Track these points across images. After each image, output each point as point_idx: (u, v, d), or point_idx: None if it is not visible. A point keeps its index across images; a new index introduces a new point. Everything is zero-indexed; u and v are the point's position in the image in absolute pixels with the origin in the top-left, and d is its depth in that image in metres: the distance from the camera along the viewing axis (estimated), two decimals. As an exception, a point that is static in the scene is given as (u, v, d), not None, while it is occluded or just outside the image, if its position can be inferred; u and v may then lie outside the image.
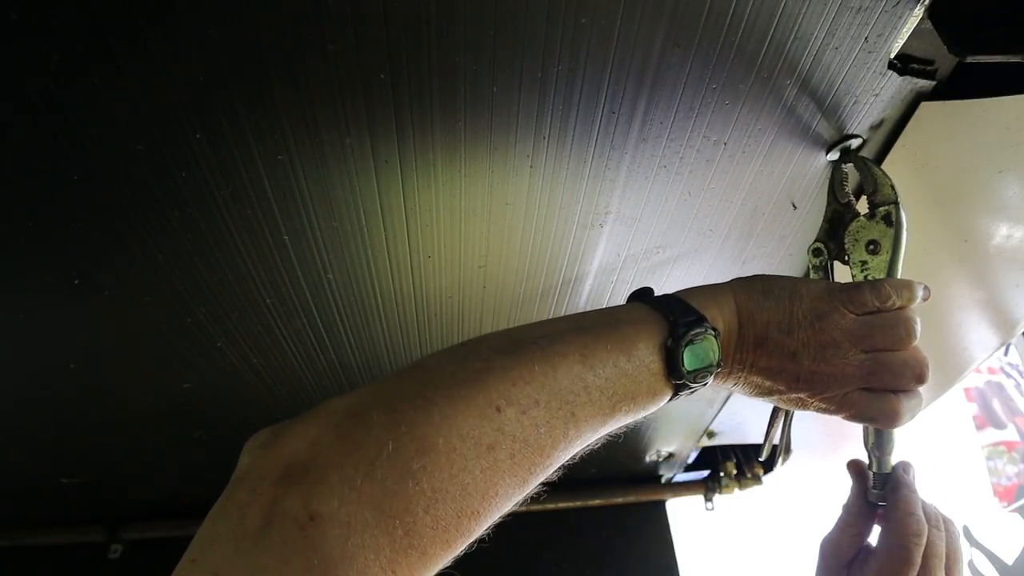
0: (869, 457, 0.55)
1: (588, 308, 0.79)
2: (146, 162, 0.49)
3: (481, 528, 0.38)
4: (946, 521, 0.53)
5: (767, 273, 0.54)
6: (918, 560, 0.50)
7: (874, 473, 0.54)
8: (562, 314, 0.79)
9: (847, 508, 0.56)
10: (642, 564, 1.36)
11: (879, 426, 0.52)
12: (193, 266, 0.61)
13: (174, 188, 0.52)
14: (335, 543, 0.31)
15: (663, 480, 1.46)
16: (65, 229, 0.55)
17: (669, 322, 0.45)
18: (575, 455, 0.44)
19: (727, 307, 0.49)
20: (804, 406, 0.51)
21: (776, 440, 0.63)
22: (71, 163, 0.49)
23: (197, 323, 0.69)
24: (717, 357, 0.46)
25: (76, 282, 0.60)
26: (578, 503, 1.37)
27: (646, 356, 0.44)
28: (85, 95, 0.44)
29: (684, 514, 1.51)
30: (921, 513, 0.51)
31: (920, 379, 0.48)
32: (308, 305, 0.69)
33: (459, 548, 0.37)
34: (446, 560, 0.36)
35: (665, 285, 0.76)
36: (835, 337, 0.48)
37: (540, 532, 1.35)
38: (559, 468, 0.43)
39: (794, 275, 0.77)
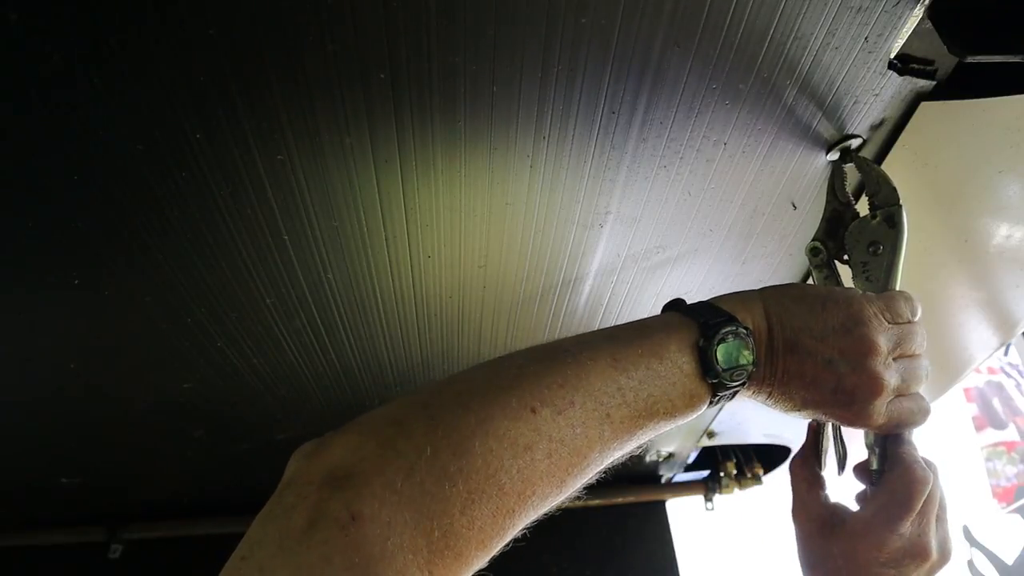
0: (869, 455, 0.55)
1: (588, 308, 0.79)
2: (146, 162, 0.49)
3: (517, 528, 0.39)
4: (933, 466, 0.53)
5: (790, 281, 0.54)
6: (919, 506, 0.49)
7: (873, 470, 0.54)
8: (562, 314, 0.79)
9: (799, 469, 0.56)
10: (642, 564, 1.36)
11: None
12: (193, 266, 0.61)
13: (174, 188, 0.52)
14: (375, 543, 0.32)
15: (663, 480, 1.46)
16: (65, 229, 0.54)
17: (699, 323, 0.46)
18: (617, 460, 0.45)
19: (756, 310, 0.49)
20: (848, 421, 0.49)
21: (835, 449, 0.59)
22: (71, 163, 0.49)
23: (197, 323, 0.69)
24: (752, 356, 0.46)
25: (76, 282, 0.60)
26: (578, 503, 1.37)
27: (678, 357, 0.45)
28: (85, 95, 0.44)
29: (684, 514, 1.51)
30: (921, 460, 0.51)
31: (928, 377, 0.49)
32: (308, 305, 0.69)
33: (495, 548, 0.38)
34: (482, 561, 0.37)
35: (665, 285, 0.76)
36: (874, 345, 0.47)
37: (540, 532, 1.34)
38: (599, 472, 0.44)
39: (794, 275, 0.77)
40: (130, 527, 1.25)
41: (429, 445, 0.36)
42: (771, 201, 0.65)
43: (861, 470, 0.56)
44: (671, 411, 0.45)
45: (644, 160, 0.57)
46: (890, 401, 0.48)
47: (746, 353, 0.46)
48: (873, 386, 0.46)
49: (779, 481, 1.43)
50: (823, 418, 0.50)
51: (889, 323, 0.48)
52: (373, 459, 0.35)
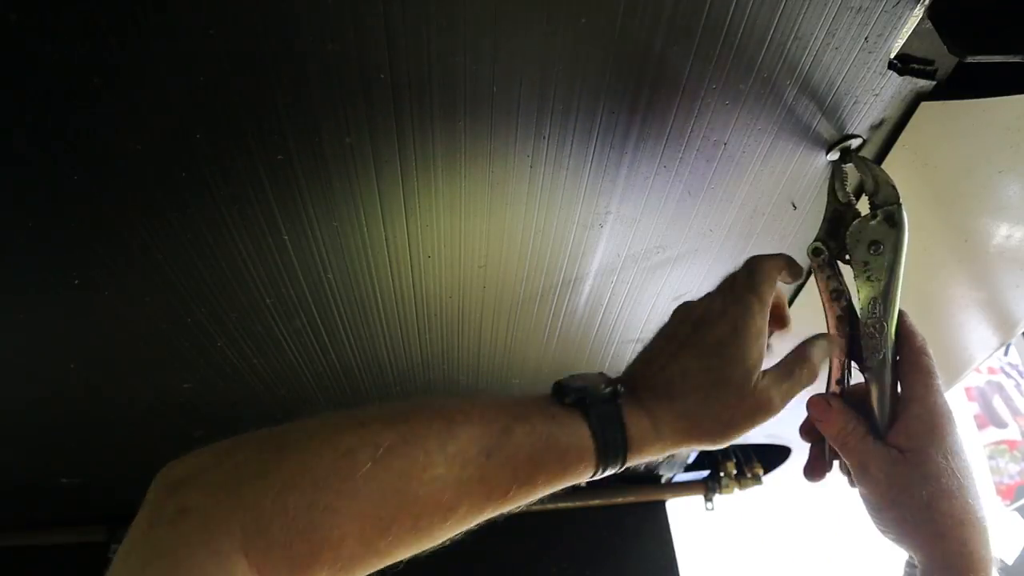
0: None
1: (588, 308, 0.79)
2: (146, 162, 0.49)
3: (347, 528, 0.39)
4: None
5: None
6: (937, 371, 0.52)
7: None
8: (562, 314, 0.79)
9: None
10: (642, 564, 1.36)
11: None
12: (193, 266, 0.61)
13: (174, 188, 0.52)
14: (196, 530, 0.36)
15: (663, 480, 1.46)
16: (65, 229, 0.54)
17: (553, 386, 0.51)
18: (505, 505, 0.45)
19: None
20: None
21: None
22: (71, 163, 0.49)
23: (197, 323, 0.69)
24: (608, 376, 0.50)
25: (76, 282, 0.60)
26: (578, 503, 1.37)
27: (529, 395, 0.49)
28: (85, 95, 0.44)
29: (684, 514, 1.51)
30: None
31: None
32: (308, 305, 0.69)
33: (325, 547, 0.38)
34: (322, 566, 0.38)
35: (665, 285, 0.76)
36: (720, 338, 0.50)
37: (540, 532, 1.35)
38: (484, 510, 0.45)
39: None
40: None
41: (256, 448, 0.40)
42: (771, 201, 0.65)
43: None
44: (539, 438, 0.45)
45: (644, 160, 0.57)
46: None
47: (602, 375, 0.50)
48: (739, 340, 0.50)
49: (779, 481, 1.43)
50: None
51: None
52: (207, 464, 0.40)
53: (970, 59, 0.47)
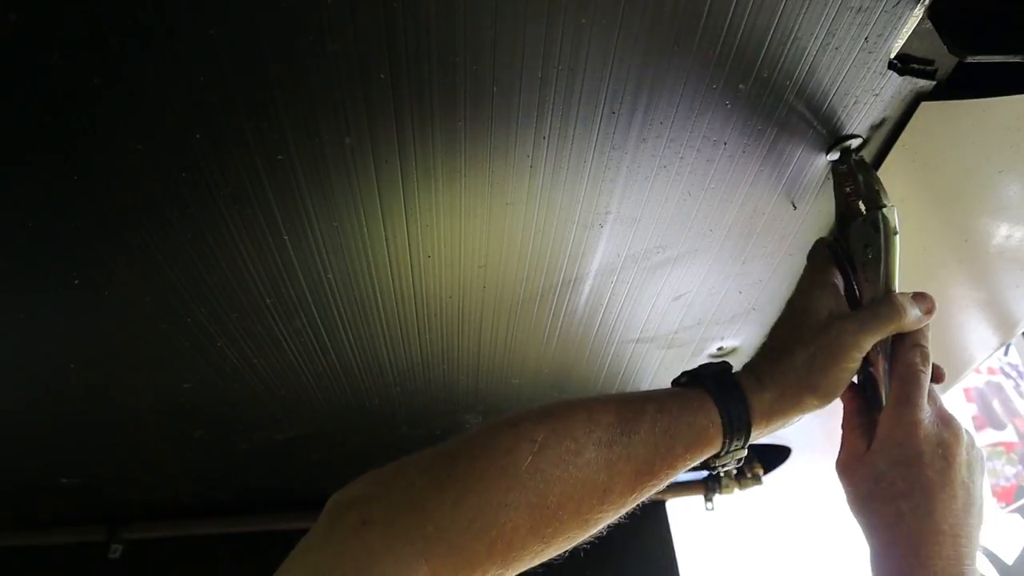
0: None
1: (588, 308, 0.79)
2: (146, 162, 0.49)
3: (519, 521, 0.43)
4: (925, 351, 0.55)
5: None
6: (926, 384, 0.52)
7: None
8: (562, 314, 0.79)
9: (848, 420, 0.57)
10: (642, 564, 1.36)
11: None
12: (193, 266, 0.61)
13: (174, 188, 0.52)
14: (379, 539, 0.40)
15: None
16: (65, 229, 0.54)
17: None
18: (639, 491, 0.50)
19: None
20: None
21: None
22: (71, 163, 0.49)
23: (197, 323, 0.69)
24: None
25: (76, 282, 0.60)
26: (578, 503, 1.37)
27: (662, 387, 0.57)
28: (85, 95, 0.44)
29: (684, 514, 1.51)
30: (926, 344, 0.54)
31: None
32: (308, 305, 0.69)
33: (499, 541, 0.42)
34: (493, 561, 0.43)
35: (665, 285, 0.76)
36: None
37: (540, 532, 1.34)
38: (618, 503, 0.49)
39: (794, 275, 0.77)
40: (130, 527, 1.25)
41: (427, 465, 0.45)
42: (771, 201, 0.65)
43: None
44: (663, 409, 0.50)
45: (644, 160, 0.57)
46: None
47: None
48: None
49: (779, 481, 1.43)
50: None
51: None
52: (382, 484, 0.44)
53: (970, 59, 0.47)
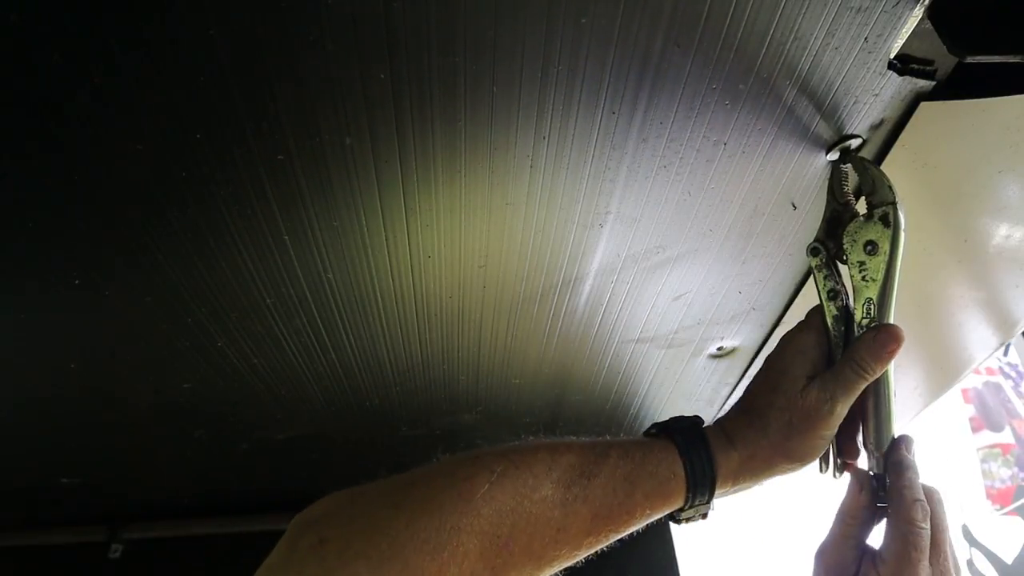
0: (868, 457, 0.55)
1: (588, 308, 0.79)
2: (146, 162, 0.49)
3: (470, 547, 0.44)
4: (935, 492, 0.52)
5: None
6: (927, 543, 0.49)
7: (875, 474, 0.54)
8: (562, 314, 0.79)
9: (845, 515, 0.54)
10: (642, 564, 1.36)
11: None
12: (193, 266, 0.61)
13: (174, 188, 0.52)
14: (333, 555, 0.41)
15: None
16: (65, 229, 0.55)
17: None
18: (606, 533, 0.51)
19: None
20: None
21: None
22: (71, 163, 0.49)
23: (197, 323, 0.69)
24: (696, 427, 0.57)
25: (76, 282, 0.60)
26: (578, 503, 1.37)
27: (633, 436, 0.57)
28: (85, 95, 0.44)
29: (684, 514, 1.50)
30: (923, 496, 0.50)
31: None
32: (308, 305, 0.69)
33: (451, 564, 0.43)
34: None
35: (665, 285, 0.76)
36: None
37: (540, 532, 1.35)
38: (588, 544, 0.50)
39: (794, 275, 0.77)
40: (130, 527, 1.25)
41: (387, 488, 0.46)
42: (771, 201, 0.65)
43: (859, 477, 0.55)
44: (632, 466, 0.51)
45: (644, 160, 0.57)
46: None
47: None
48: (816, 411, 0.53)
49: (779, 481, 1.43)
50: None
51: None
52: (342, 503, 0.46)
53: (970, 59, 0.47)
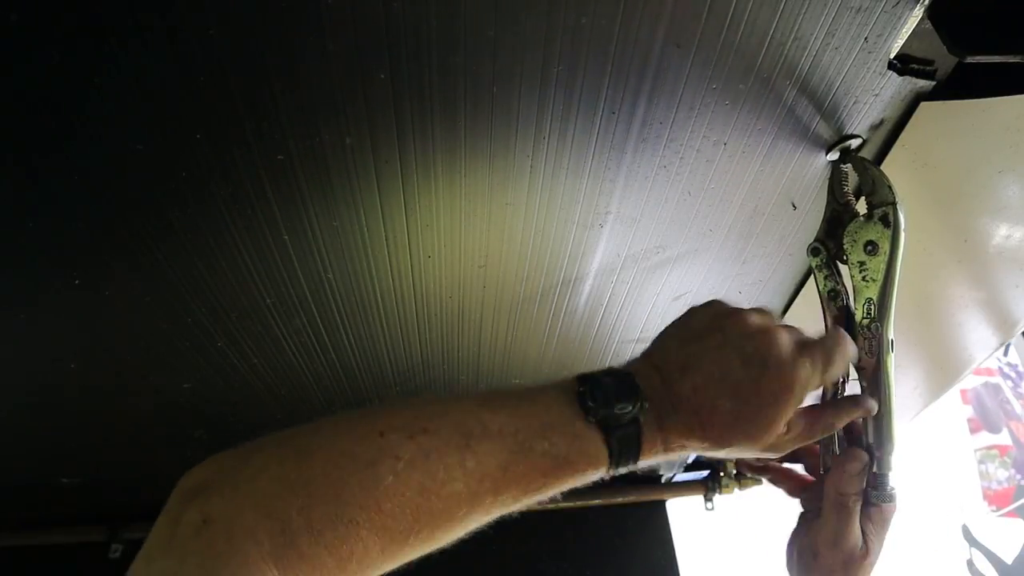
0: (869, 457, 0.55)
1: (588, 308, 0.79)
2: (146, 162, 0.49)
3: (369, 542, 0.39)
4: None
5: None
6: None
7: (873, 473, 0.54)
8: (562, 314, 0.79)
9: (808, 514, 0.56)
10: (642, 564, 1.36)
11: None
12: (193, 266, 0.61)
13: (174, 188, 0.52)
14: (222, 538, 0.36)
15: (663, 480, 1.46)
16: (65, 229, 0.54)
17: (576, 376, 0.47)
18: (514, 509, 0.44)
19: (635, 361, 0.50)
20: (786, 405, 0.47)
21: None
22: (71, 163, 0.49)
23: (197, 323, 0.69)
24: (637, 390, 0.46)
25: (76, 282, 0.60)
26: (578, 503, 1.37)
27: (552, 400, 0.45)
28: (85, 95, 0.44)
29: (684, 514, 1.51)
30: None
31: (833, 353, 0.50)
32: (308, 305, 0.69)
33: (351, 560, 0.39)
34: (343, 572, 0.39)
35: (665, 285, 0.76)
36: (741, 312, 0.49)
37: (540, 532, 1.35)
38: (487, 519, 0.44)
39: (794, 275, 0.77)
40: (130, 527, 1.25)
41: (276, 457, 0.40)
42: (771, 201, 0.65)
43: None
44: (554, 453, 0.43)
45: (644, 160, 0.57)
46: (800, 355, 0.47)
47: (626, 388, 0.46)
48: (769, 337, 0.47)
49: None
50: (770, 415, 0.47)
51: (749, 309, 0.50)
52: (226, 471, 0.39)
53: (970, 59, 0.47)
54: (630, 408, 0.45)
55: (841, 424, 0.52)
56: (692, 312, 0.51)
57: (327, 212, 0.57)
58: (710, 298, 0.53)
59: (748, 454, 0.48)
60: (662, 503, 1.45)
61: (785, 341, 0.47)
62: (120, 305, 0.64)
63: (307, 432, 0.42)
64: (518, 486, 0.43)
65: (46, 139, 0.46)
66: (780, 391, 0.46)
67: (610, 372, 0.47)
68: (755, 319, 0.48)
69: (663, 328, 0.52)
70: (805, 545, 0.54)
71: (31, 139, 0.46)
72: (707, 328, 0.49)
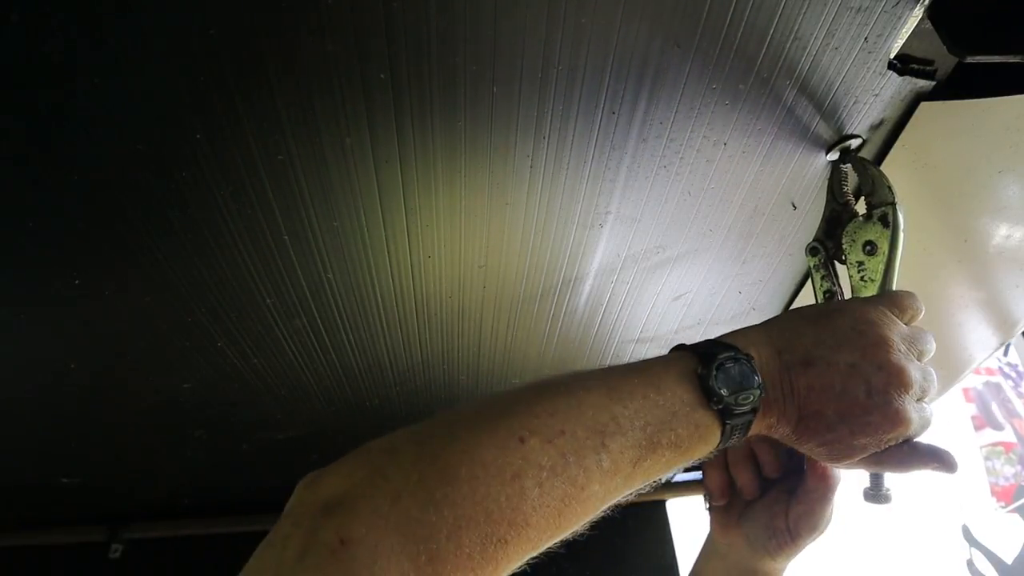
0: None
1: (588, 308, 0.79)
2: (146, 162, 0.49)
3: (513, 557, 0.38)
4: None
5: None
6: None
7: (873, 473, 0.54)
8: (562, 314, 0.79)
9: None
10: (642, 564, 1.36)
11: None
12: (193, 266, 0.61)
13: (175, 188, 0.52)
14: (363, 566, 0.34)
15: (663, 480, 1.46)
16: (65, 229, 0.54)
17: (698, 354, 0.45)
18: (629, 496, 0.44)
19: (758, 338, 0.48)
20: (887, 429, 0.45)
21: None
22: (71, 163, 0.49)
23: (197, 323, 0.69)
24: (758, 379, 0.45)
25: (76, 282, 0.60)
26: (578, 503, 1.37)
27: (677, 387, 0.44)
28: (85, 95, 0.44)
29: (684, 514, 1.51)
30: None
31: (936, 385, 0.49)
32: (308, 305, 0.69)
33: (494, 574, 0.38)
34: None
35: (665, 285, 0.76)
36: (889, 340, 0.46)
37: (540, 532, 1.35)
38: (607, 508, 0.43)
39: (794, 275, 0.77)
40: (130, 527, 1.25)
41: (416, 472, 0.38)
42: (771, 201, 0.65)
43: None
44: (677, 443, 0.43)
45: (644, 160, 0.57)
46: (916, 402, 0.46)
47: (750, 375, 0.44)
48: (901, 379, 0.45)
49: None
50: (861, 442, 0.46)
51: (898, 319, 0.48)
52: (363, 486, 0.37)
53: (970, 59, 0.47)
54: (751, 398, 0.45)
55: (915, 471, 0.50)
56: (843, 308, 0.49)
57: (327, 212, 0.57)
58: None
59: (816, 457, 0.48)
60: (662, 503, 1.45)
61: (913, 390, 0.46)
62: (120, 305, 0.64)
63: (444, 437, 0.40)
64: (644, 478, 0.43)
65: (46, 139, 0.46)
66: (884, 431, 0.45)
67: (730, 352, 0.45)
68: (897, 355, 0.46)
69: (800, 309, 0.51)
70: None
71: (31, 138, 0.46)
72: (848, 339, 0.46)
